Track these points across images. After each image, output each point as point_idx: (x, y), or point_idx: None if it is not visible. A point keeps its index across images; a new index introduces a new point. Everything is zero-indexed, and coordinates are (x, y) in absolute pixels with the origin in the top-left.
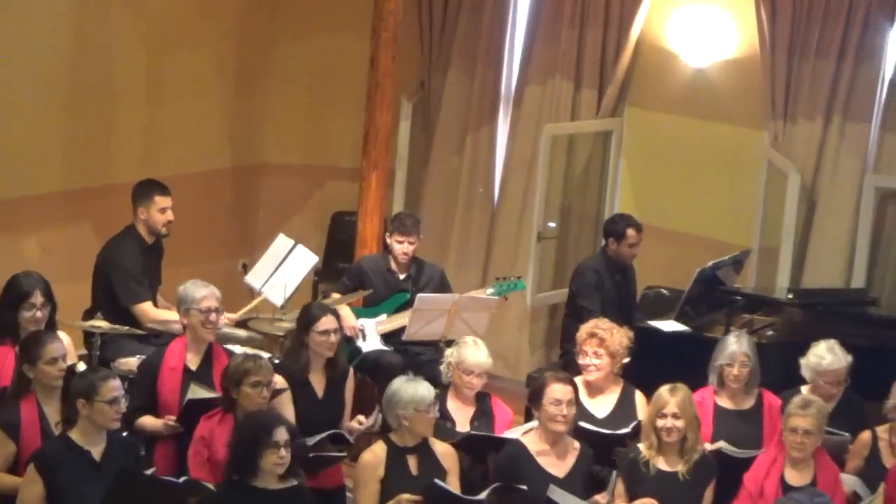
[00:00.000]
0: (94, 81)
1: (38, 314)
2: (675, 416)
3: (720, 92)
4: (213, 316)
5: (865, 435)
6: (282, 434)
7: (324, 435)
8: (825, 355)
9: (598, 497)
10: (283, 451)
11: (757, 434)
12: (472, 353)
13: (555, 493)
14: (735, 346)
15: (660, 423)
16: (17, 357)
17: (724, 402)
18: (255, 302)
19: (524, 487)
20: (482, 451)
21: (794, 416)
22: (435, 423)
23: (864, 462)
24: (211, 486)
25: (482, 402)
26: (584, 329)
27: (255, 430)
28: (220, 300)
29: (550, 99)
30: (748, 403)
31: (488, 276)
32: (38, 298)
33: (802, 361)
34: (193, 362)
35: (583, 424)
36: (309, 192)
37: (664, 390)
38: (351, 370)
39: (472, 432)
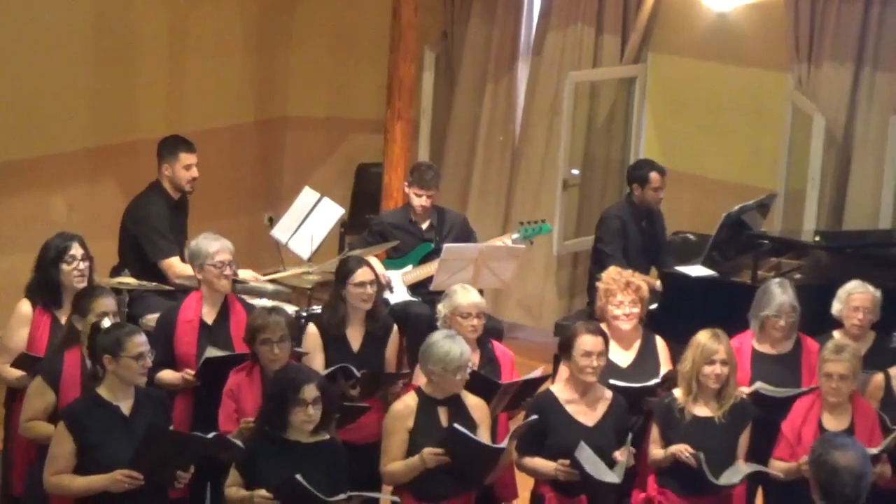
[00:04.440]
0: (117, 38)
1: (81, 265)
2: (723, 362)
3: (744, 36)
4: (227, 270)
5: (879, 378)
6: (310, 392)
7: (335, 368)
8: (852, 283)
9: (616, 454)
10: (310, 409)
11: (795, 377)
12: (464, 296)
13: (582, 452)
14: (784, 298)
15: (707, 369)
16: (70, 309)
17: (763, 347)
18: (289, 272)
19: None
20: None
21: (829, 362)
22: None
23: (879, 404)
24: (239, 442)
25: (485, 348)
26: (616, 279)
27: (284, 387)
28: (233, 252)
29: (572, 46)
30: (786, 348)
31: (509, 224)
32: (77, 250)
33: (834, 301)
34: (209, 316)
35: (613, 382)
36: (334, 145)
37: (709, 338)
38: (395, 327)
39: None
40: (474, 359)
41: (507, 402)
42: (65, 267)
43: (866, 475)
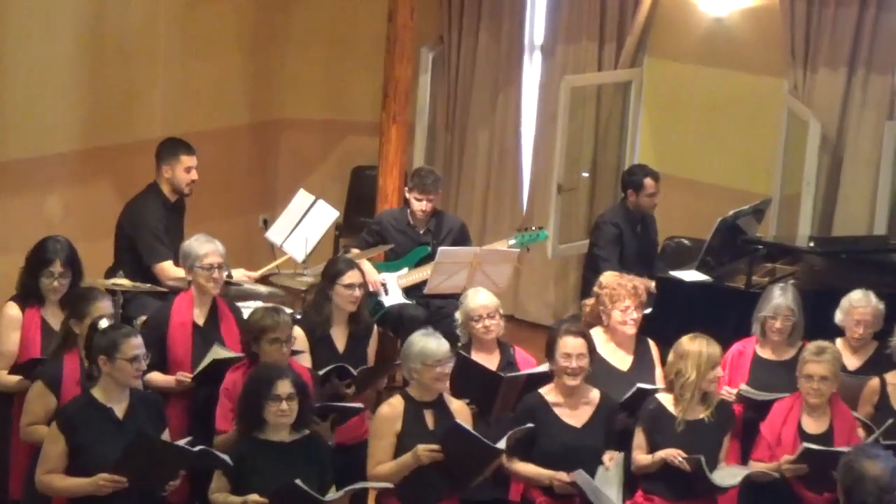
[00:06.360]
0: (113, 40)
1: (56, 283)
2: (720, 365)
3: (739, 41)
4: (216, 273)
5: (874, 382)
6: (284, 387)
7: (329, 368)
8: (856, 294)
9: (605, 458)
10: (284, 405)
11: (794, 385)
12: (473, 298)
13: (580, 477)
14: (780, 300)
15: (712, 374)
16: (65, 312)
17: (765, 353)
18: (278, 261)
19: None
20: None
21: (809, 363)
22: (448, 378)
23: (873, 409)
24: (225, 456)
25: (505, 352)
26: (623, 283)
27: (257, 383)
28: (224, 255)
29: (575, 53)
30: (789, 354)
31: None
32: (57, 268)
33: (837, 310)
34: (200, 317)
35: (641, 385)
36: (329, 147)
37: (706, 344)
38: (375, 327)
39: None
40: (493, 361)
41: (514, 398)
42: (43, 280)
43: (893, 489)
